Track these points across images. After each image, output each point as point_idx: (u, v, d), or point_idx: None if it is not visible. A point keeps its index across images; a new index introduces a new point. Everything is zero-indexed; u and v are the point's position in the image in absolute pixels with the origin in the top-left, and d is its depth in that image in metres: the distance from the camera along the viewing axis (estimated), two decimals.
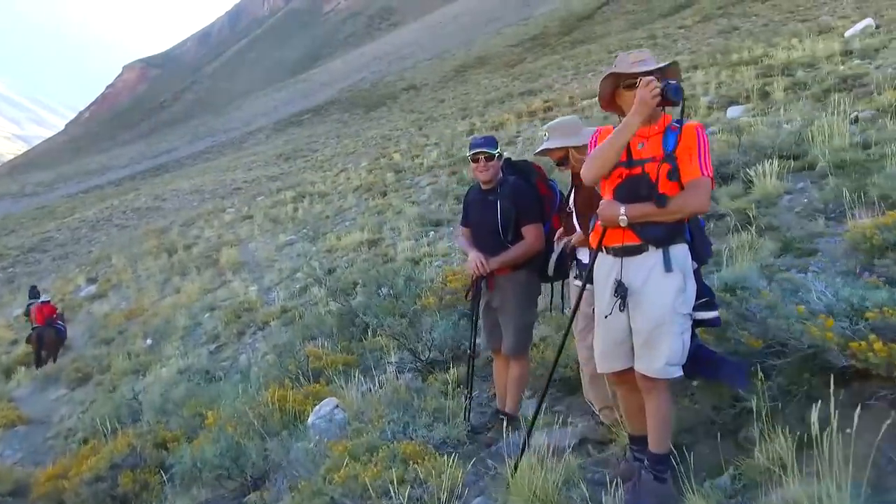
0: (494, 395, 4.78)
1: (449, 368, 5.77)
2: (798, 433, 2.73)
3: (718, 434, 3.14)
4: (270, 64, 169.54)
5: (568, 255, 3.95)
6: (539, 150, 3.97)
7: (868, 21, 17.40)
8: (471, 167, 4.22)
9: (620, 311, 2.91)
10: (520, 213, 4.05)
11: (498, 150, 4.16)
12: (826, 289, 3.36)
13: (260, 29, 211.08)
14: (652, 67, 2.94)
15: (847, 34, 17.33)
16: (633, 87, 2.91)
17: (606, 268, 3.06)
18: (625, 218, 2.87)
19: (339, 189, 26.10)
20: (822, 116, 9.12)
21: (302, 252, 17.12)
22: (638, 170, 2.91)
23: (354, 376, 5.84)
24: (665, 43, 44.25)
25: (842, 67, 13.63)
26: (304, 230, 20.26)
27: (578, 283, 3.89)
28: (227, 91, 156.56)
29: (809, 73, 14.12)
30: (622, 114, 3.06)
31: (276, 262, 17.34)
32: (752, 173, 7.24)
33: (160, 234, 29.86)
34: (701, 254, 2.99)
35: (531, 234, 4.06)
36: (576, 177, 3.87)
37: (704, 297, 2.97)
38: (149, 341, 14.58)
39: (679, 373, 2.90)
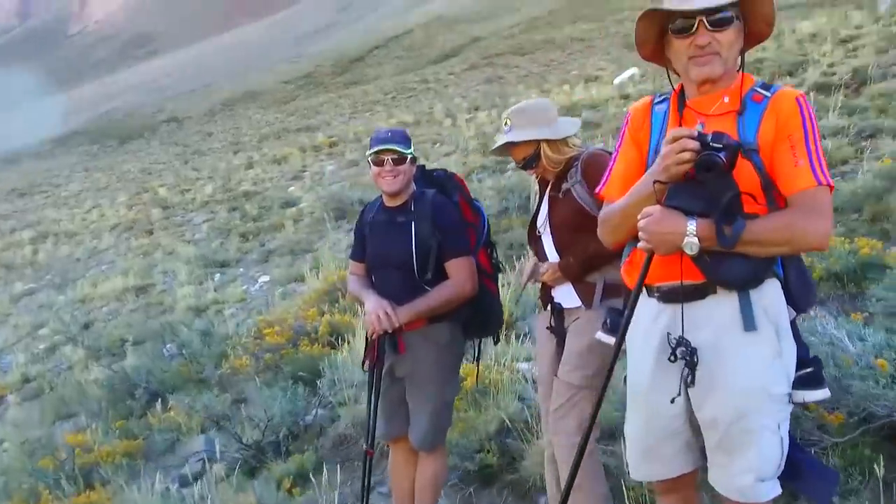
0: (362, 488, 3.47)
1: (290, 455, 4.32)
2: None
3: None
4: (0, 88, 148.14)
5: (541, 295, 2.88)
6: (499, 144, 2.84)
7: (633, 70, 18.93)
8: (371, 173, 2.95)
9: (689, 385, 1.83)
10: (444, 240, 2.87)
11: (411, 150, 2.94)
12: (836, 331, 2.61)
13: None
14: (719, 3, 1.78)
15: (616, 81, 18.65)
16: (686, 32, 1.82)
17: (649, 318, 1.96)
18: (695, 242, 1.72)
19: (91, 227, 22.51)
20: None
21: (46, 303, 14.01)
22: None
23: (153, 476, 4.13)
24: (437, 87, 45.88)
25: (625, 109, 14.38)
26: (49, 276, 16.87)
27: (551, 337, 2.84)
28: None
29: (597, 114, 14.73)
30: (672, 70, 1.97)
31: (11, 316, 13.96)
32: None
33: None
34: (800, 297, 1.90)
35: (461, 270, 2.86)
36: (551, 186, 2.82)
37: (808, 366, 1.90)
38: None
39: (776, 492, 1.84)
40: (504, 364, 4.09)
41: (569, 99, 17.87)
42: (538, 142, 2.72)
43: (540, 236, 2.84)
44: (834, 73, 10.20)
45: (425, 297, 2.82)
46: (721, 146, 1.68)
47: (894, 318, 3.40)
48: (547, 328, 2.83)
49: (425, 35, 72.57)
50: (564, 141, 2.74)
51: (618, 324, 2.15)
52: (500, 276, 3.19)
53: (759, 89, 1.86)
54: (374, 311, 2.78)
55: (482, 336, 3.16)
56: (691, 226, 1.72)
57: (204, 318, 8.70)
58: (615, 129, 12.52)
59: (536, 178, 2.92)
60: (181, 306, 10.60)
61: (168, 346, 7.51)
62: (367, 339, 2.92)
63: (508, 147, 2.80)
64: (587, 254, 2.59)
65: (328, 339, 5.90)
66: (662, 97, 2.03)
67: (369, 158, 2.89)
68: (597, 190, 2.16)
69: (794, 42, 15.24)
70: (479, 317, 2.98)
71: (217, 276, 12.31)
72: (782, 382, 1.84)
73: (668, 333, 1.86)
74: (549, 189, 2.82)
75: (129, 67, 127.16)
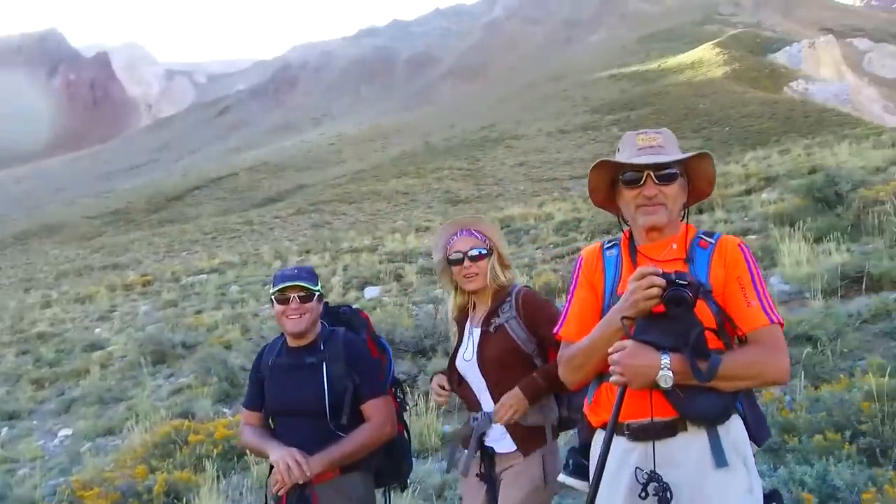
0: None
1: None
2: None
3: None
4: None
5: (467, 443, 2.60)
6: (470, 216, 2.71)
7: None
8: (275, 312, 2.68)
9: None
10: (361, 381, 2.59)
11: (319, 287, 2.72)
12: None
13: None
14: (667, 159, 1.96)
15: None
16: (635, 184, 1.96)
17: (617, 458, 1.88)
18: (669, 375, 1.74)
19: None
20: None
21: None
22: None
23: None
24: (262, 230, 45.46)
25: None
26: None
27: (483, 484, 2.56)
28: None
29: (433, 261, 15.17)
30: (621, 218, 2.09)
31: None
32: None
33: None
34: (758, 431, 1.94)
35: (380, 412, 2.58)
36: (482, 321, 2.62)
37: (772, 500, 1.91)
38: None
39: None
40: None
41: (403, 246, 18.35)
42: (492, 248, 2.63)
43: (462, 376, 2.64)
44: None
45: (340, 443, 2.50)
46: (686, 283, 1.76)
47: (774, 453, 3.56)
48: (476, 475, 2.57)
49: (250, 179, 72.70)
50: (506, 265, 2.67)
51: (581, 465, 2.08)
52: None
53: (703, 237, 2.00)
54: (282, 461, 2.39)
55: (394, 483, 2.83)
56: (665, 359, 1.74)
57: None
58: None
59: (455, 312, 2.76)
60: None
61: None
62: (267, 498, 2.48)
63: (465, 234, 2.64)
64: (550, 375, 2.38)
65: (164, 500, 5.05)
66: (611, 243, 2.12)
67: (273, 297, 2.65)
68: (554, 331, 2.13)
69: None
70: (393, 462, 2.70)
71: (4, 429, 10.43)
72: None
73: (638, 468, 1.82)
74: (477, 324, 2.65)
75: None
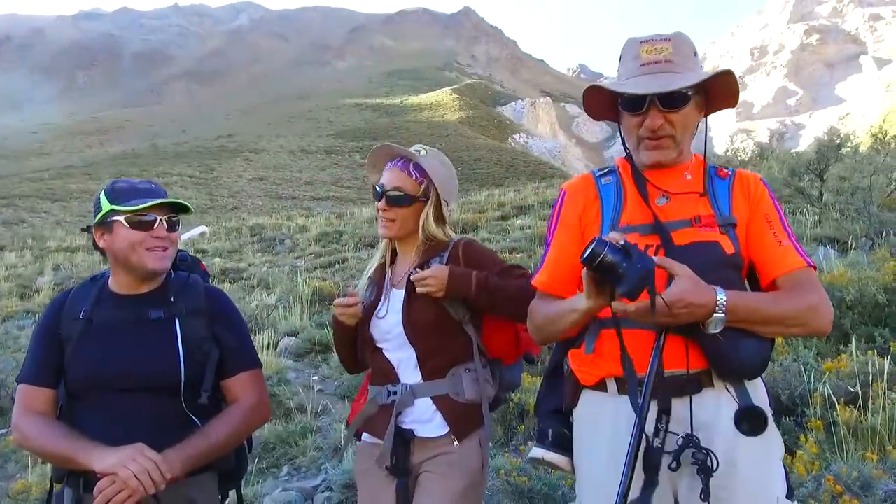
0: None
1: None
2: None
3: None
4: None
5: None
6: (393, 164, 2.09)
7: (203, 228, 18.45)
8: (118, 240, 1.81)
9: (704, 501, 1.43)
10: (234, 347, 1.92)
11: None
12: None
13: None
14: (674, 86, 1.59)
15: (185, 237, 17.80)
16: (637, 111, 1.63)
17: (622, 423, 1.56)
18: (722, 314, 1.45)
19: None
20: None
21: None
22: (698, 234, 1.59)
23: None
24: None
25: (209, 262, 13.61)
26: None
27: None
28: None
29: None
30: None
31: None
32: None
33: None
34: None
35: (253, 391, 1.93)
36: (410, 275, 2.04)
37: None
38: None
39: None
40: None
41: None
42: (433, 192, 2.06)
43: (379, 346, 2.06)
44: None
45: (204, 432, 1.81)
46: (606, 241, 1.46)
47: None
48: (386, 467, 1.96)
49: None
50: (444, 219, 2.11)
51: (563, 436, 1.71)
52: None
53: (719, 166, 1.76)
54: (133, 464, 1.62)
55: (232, 487, 2.07)
56: (722, 297, 1.46)
57: None
58: None
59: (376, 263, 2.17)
60: None
61: None
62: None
63: (398, 166, 2.07)
64: (489, 288, 1.95)
65: None
66: (605, 170, 1.81)
67: (122, 219, 1.79)
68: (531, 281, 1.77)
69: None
70: (241, 457, 2.04)
71: None
72: (785, 487, 1.59)
73: (659, 432, 1.49)
74: (397, 285, 2.08)
75: None
